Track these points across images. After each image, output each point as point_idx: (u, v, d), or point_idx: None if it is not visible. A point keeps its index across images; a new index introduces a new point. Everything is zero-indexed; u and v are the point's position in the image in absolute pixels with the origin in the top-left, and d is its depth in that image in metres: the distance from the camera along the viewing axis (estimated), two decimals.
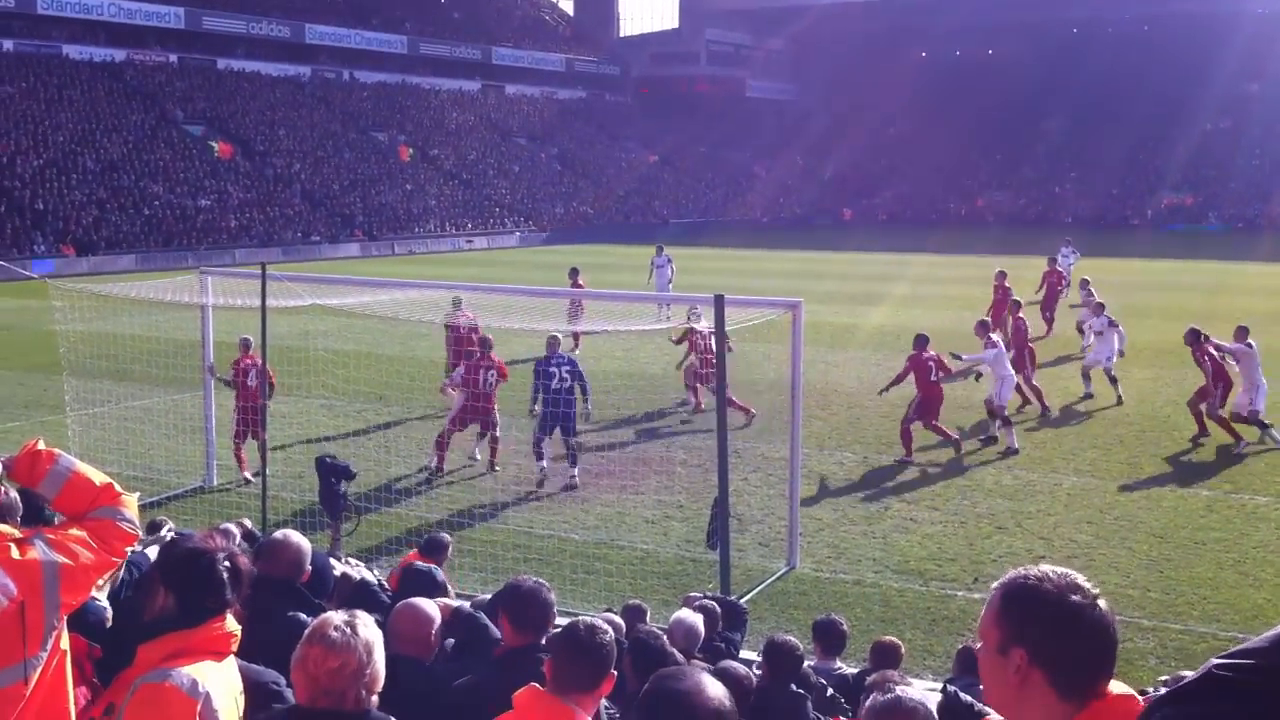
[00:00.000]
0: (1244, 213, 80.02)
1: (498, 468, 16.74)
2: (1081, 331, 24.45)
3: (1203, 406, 18.14)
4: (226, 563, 3.59)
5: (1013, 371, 18.80)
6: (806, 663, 7.33)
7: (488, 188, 79.46)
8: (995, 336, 19.21)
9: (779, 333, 15.35)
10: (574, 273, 26.82)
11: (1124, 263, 49.50)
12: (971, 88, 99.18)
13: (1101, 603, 2.25)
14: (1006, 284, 26.90)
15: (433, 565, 8.38)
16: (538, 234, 75.03)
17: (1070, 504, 15.05)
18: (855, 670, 8.25)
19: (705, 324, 17.29)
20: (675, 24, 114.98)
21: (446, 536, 9.48)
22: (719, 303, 11.84)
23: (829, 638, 7.92)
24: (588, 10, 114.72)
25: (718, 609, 7.98)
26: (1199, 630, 10.91)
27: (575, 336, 24.83)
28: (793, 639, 7.07)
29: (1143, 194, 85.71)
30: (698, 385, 20.29)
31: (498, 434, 16.84)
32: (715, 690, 2.97)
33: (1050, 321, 28.42)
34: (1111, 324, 21.36)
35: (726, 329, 12.65)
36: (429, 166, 78.50)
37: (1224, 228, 77.32)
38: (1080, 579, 2.26)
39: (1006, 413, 18.19)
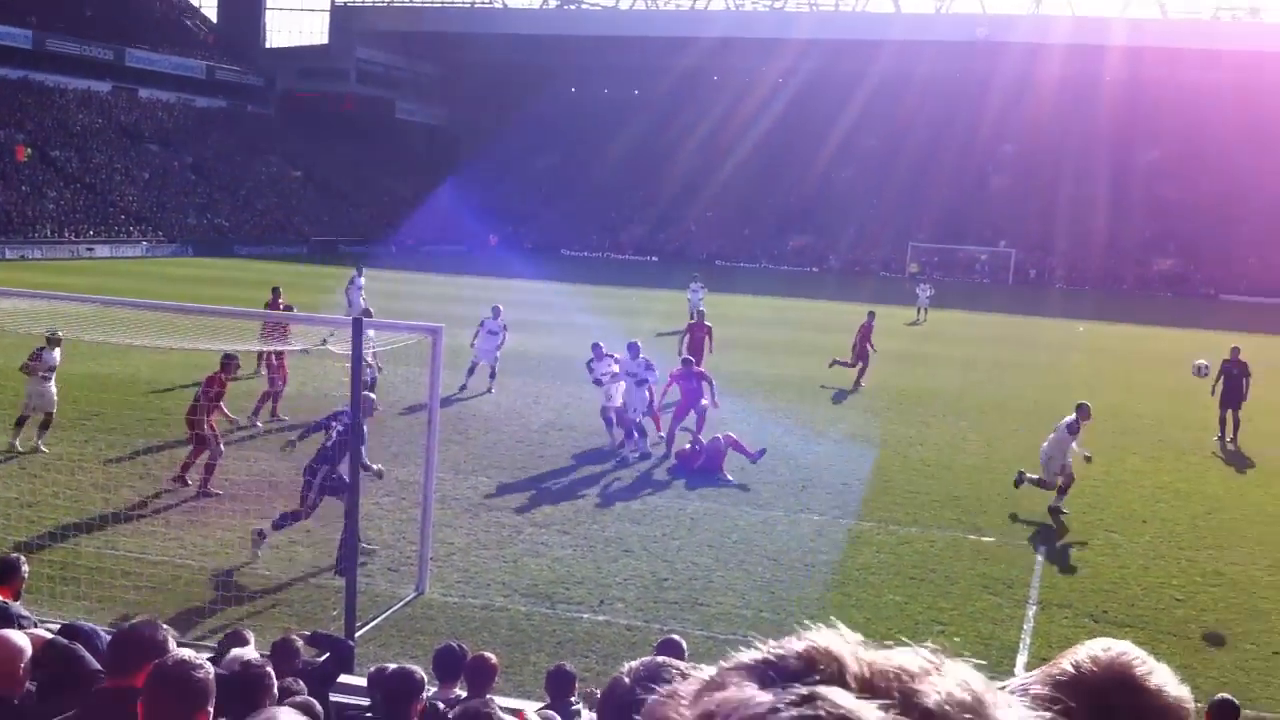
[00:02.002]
0: (860, 257, 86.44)
1: (215, 490, 15.99)
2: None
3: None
4: None
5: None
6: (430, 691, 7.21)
7: (114, 194, 74.98)
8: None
9: (419, 357, 15.24)
10: (275, 292, 25.72)
11: (754, 299, 52.21)
12: (620, 124, 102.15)
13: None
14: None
15: (6, 600, 7.61)
16: (166, 245, 71.42)
17: (693, 528, 15.64)
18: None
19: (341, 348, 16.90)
20: (325, 40, 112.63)
21: (19, 558, 8.72)
22: (357, 326, 11.58)
23: (446, 665, 7.83)
24: (233, 18, 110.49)
25: (296, 643, 7.77)
26: None
27: (259, 357, 23.54)
28: (409, 668, 6.95)
29: (771, 235, 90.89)
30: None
31: (213, 460, 16.15)
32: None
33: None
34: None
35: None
36: (48, 168, 73.27)
37: (839, 269, 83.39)
38: (670, 669, 2.16)
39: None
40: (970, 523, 16.62)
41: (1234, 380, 23.65)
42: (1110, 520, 17.11)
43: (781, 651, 0.74)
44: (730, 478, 18.25)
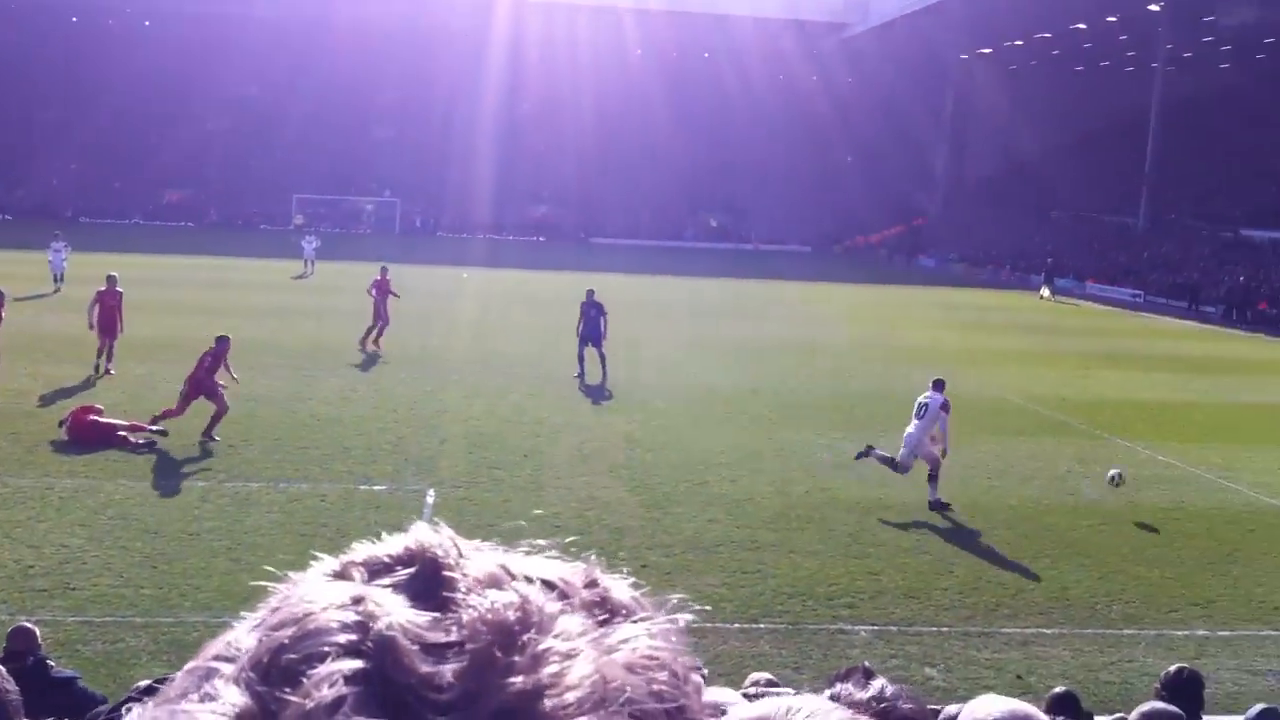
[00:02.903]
0: (242, 210, 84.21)
1: None
2: None
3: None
4: None
5: None
6: None
7: None
8: None
9: None
10: None
11: (126, 257, 49.12)
12: None
13: None
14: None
15: None
16: None
17: (63, 508, 14.42)
18: None
19: None
20: None
21: None
22: None
23: None
24: None
25: None
26: (192, 620, 11.04)
27: None
28: None
29: (145, 189, 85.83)
30: None
31: None
32: None
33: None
34: None
35: None
36: None
37: (220, 223, 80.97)
38: None
39: None
40: (362, 473, 16.72)
41: (592, 320, 25.42)
42: (494, 458, 17.90)
43: (385, 549, 0.69)
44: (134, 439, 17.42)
